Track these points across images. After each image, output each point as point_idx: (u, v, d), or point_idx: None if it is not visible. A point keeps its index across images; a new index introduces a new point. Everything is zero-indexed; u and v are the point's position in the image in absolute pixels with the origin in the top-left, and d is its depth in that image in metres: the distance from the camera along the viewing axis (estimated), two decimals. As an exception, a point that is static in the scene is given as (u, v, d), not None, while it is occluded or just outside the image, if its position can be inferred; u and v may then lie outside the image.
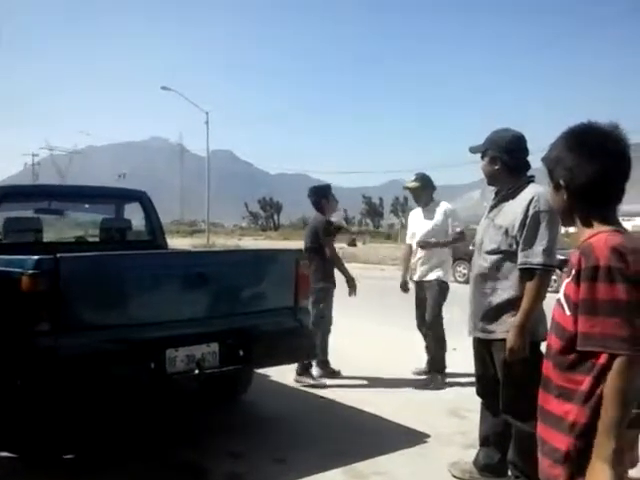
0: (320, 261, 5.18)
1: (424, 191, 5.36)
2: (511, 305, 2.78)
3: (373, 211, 65.45)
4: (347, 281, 5.40)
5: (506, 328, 2.77)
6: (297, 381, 5.17)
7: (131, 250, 4.70)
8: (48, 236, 5.46)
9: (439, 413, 4.39)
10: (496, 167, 2.90)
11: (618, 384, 1.39)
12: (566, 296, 1.53)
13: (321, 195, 5.56)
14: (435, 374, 5.20)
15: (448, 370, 5.24)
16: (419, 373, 5.42)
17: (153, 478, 3.24)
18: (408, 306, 5.47)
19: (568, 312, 1.51)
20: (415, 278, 5.34)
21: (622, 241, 1.46)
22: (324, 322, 5.26)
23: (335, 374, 5.42)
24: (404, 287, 5.51)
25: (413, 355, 5.62)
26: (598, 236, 1.49)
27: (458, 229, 5.31)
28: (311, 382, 5.14)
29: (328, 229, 5.41)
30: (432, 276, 5.20)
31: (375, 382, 5.31)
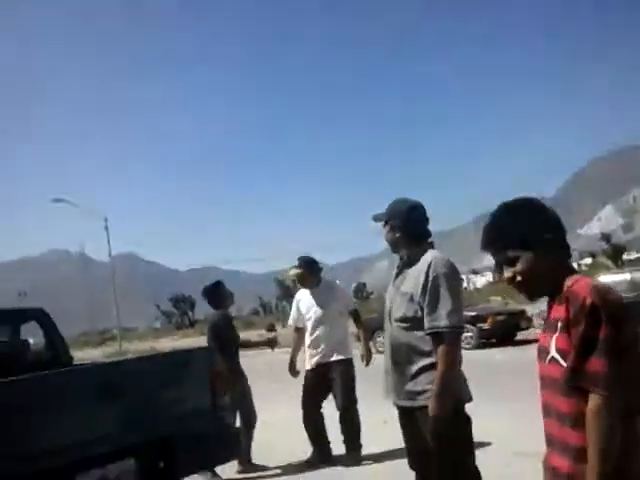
0: (226, 359, 4.94)
1: (311, 275, 5.30)
2: (426, 371, 2.78)
3: (286, 293, 65.39)
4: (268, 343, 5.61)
5: (426, 394, 2.76)
6: (241, 472, 5.09)
7: (30, 372, 4.36)
8: None
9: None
10: (397, 235, 2.99)
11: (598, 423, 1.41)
12: (559, 350, 1.53)
13: (213, 293, 5.56)
14: (353, 452, 5.14)
15: (381, 443, 5.15)
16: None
17: None
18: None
19: (565, 364, 1.51)
20: (315, 360, 5.17)
21: (597, 283, 1.55)
22: (248, 418, 5.15)
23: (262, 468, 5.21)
24: (293, 371, 5.39)
25: (338, 431, 5.48)
26: (578, 282, 1.55)
27: (351, 306, 5.43)
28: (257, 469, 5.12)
29: (227, 324, 5.38)
30: (339, 356, 5.11)
31: (291, 470, 5.16)
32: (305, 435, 5.25)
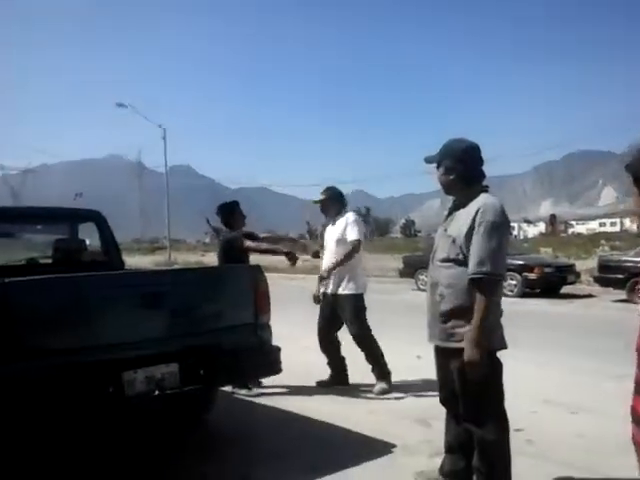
0: None
1: (331, 204, 5.42)
2: (459, 314, 2.78)
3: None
4: (286, 254, 5.35)
5: (457, 337, 2.79)
6: (233, 393, 5.22)
7: (86, 271, 4.59)
8: (0, 258, 5.30)
9: (404, 422, 4.40)
10: (451, 177, 2.93)
11: None
12: None
13: (226, 212, 5.60)
14: (381, 381, 5.27)
15: (414, 378, 5.27)
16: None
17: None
18: (370, 317, 5.47)
19: None
20: (328, 291, 5.37)
21: None
22: None
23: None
24: (317, 299, 5.52)
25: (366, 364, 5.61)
26: None
27: (351, 237, 5.25)
28: (245, 392, 5.23)
29: (237, 246, 5.37)
30: (344, 291, 5.26)
31: (333, 392, 5.30)
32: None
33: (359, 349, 5.34)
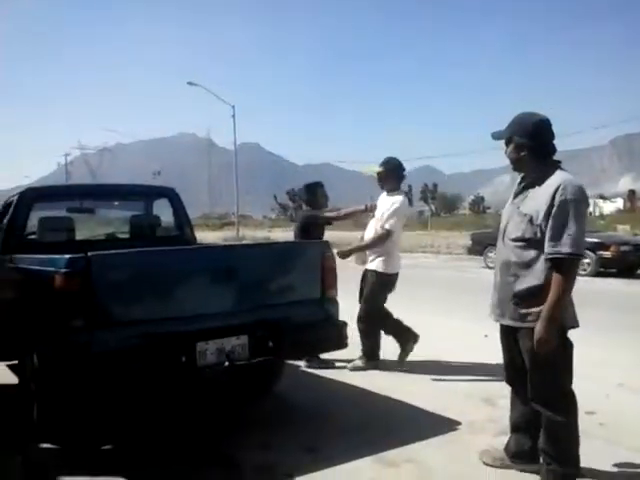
0: None
1: (387, 178, 5.27)
2: (534, 294, 2.73)
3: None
4: (365, 209, 5.56)
5: (531, 317, 2.74)
6: (308, 367, 5.36)
7: (161, 245, 4.78)
8: (81, 234, 5.59)
9: (470, 400, 4.39)
10: (522, 153, 2.84)
11: None
12: None
13: (308, 192, 5.73)
14: (363, 359, 5.29)
15: (480, 357, 5.21)
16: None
17: (184, 470, 3.29)
18: (438, 294, 5.45)
19: None
20: (363, 263, 5.36)
21: None
22: None
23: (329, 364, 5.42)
24: (342, 255, 5.26)
25: (439, 342, 5.59)
26: None
27: (386, 226, 5.12)
28: (320, 365, 5.33)
29: (314, 224, 5.52)
30: (372, 265, 5.22)
31: (399, 368, 5.30)
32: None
33: (357, 327, 5.21)
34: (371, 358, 5.31)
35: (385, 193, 5.36)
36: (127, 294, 3.24)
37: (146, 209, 5.95)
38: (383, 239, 5.15)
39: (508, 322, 2.90)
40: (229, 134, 36.41)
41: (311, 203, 5.71)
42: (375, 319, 5.27)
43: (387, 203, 5.24)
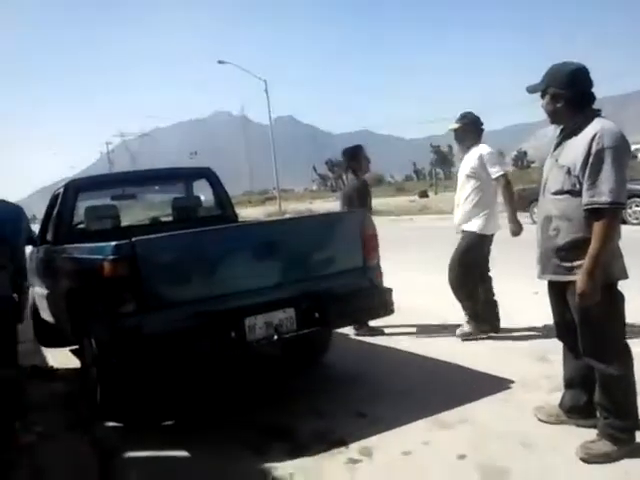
0: None
1: (466, 133, 4.99)
2: (577, 247, 2.66)
3: (442, 160, 64.02)
4: None
5: (575, 271, 2.67)
6: (357, 335, 5.39)
7: (203, 225, 4.86)
8: (126, 220, 5.75)
9: (522, 358, 4.35)
10: (558, 105, 2.74)
11: None
12: None
13: (349, 157, 5.62)
14: (471, 324, 5.05)
15: (531, 314, 5.14)
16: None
17: (241, 438, 3.39)
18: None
19: None
20: (456, 225, 5.10)
21: None
22: None
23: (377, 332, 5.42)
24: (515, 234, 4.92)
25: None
26: None
27: (497, 174, 4.78)
28: (369, 333, 5.35)
29: (361, 192, 5.43)
30: (470, 226, 4.91)
31: (450, 330, 5.28)
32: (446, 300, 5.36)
33: (452, 292, 5.10)
34: (477, 321, 5.04)
35: (465, 152, 5.05)
36: (173, 276, 3.32)
37: (186, 191, 6.05)
38: (511, 186, 4.85)
39: (552, 277, 2.85)
40: (263, 109, 36.48)
41: (354, 167, 5.62)
42: (468, 288, 5.00)
43: (472, 155, 4.93)
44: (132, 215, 6.47)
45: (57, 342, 5.58)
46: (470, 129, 4.99)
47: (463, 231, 5.00)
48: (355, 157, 5.63)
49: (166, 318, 3.22)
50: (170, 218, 5.82)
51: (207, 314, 3.32)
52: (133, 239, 3.17)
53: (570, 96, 2.71)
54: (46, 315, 5.15)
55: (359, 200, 5.39)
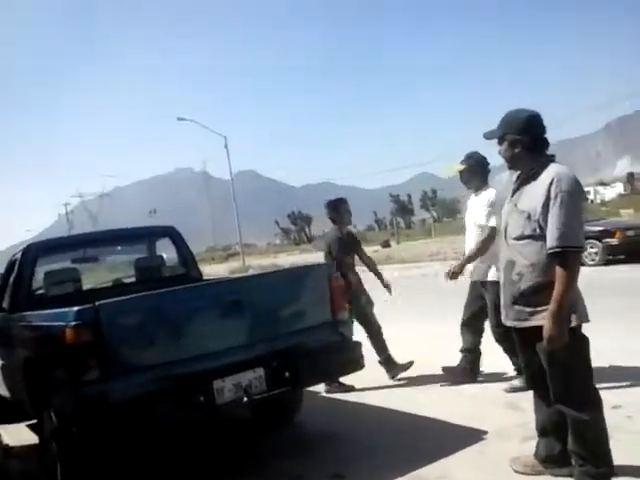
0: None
1: (472, 175, 4.83)
2: (540, 291, 2.70)
3: (402, 209, 65.09)
4: (386, 287, 5.55)
5: (539, 315, 2.71)
6: (393, 377, 5.37)
7: (167, 285, 4.78)
8: (87, 283, 5.60)
9: (495, 407, 4.33)
10: (517, 150, 2.83)
11: None
12: None
13: (331, 209, 5.71)
14: (520, 378, 4.57)
15: (502, 360, 5.13)
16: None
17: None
18: (443, 301, 5.40)
19: None
20: (472, 277, 4.88)
21: None
22: (369, 322, 5.39)
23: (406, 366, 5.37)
24: (453, 275, 4.83)
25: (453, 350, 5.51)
26: None
27: (490, 223, 4.62)
28: (340, 389, 5.29)
29: (342, 242, 5.51)
30: (492, 275, 4.59)
31: (422, 381, 5.26)
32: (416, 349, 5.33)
33: (496, 343, 4.85)
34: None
35: (473, 194, 4.91)
36: (139, 340, 3.23)
37: (149, 250, 5.96)
38: (492, 239, 4.54)
39: (516, 323, 2.88)
40: (225, 165, 36.63)
41: (335, 220, 5.70)
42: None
43: (480, 201, 4.78)
44: (94, 277, 6.32)
45: (12, 417, 5.29)
46: (476, 170, 4.83)
47: (485, 282, 4.72)
48: (336, 209, 5.70)
49: (132, 384, 3.11)
50: (133, 279, 5.70)
51: (174, 378, 3.22)
52: (96, 303, 3.09)
53: (527, 142, 2.80)
54: (0, 389, 4.92)
55: (340, 250, 5.45)
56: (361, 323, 5.36)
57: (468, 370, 5.05)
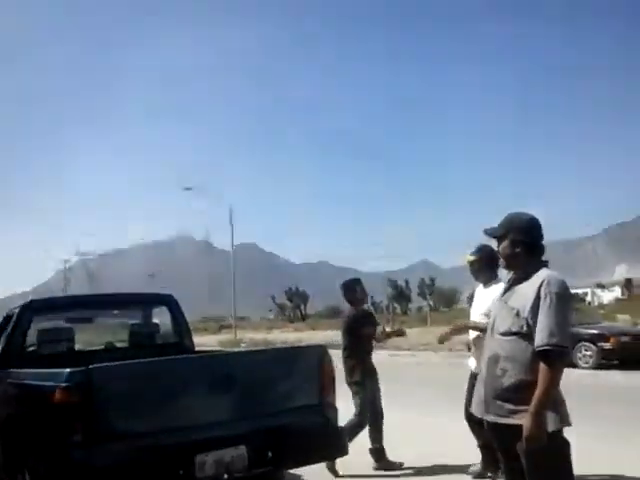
0: (358, 354, 5.33)
1: (481, 267, 4.85)
2: (522, 389, 2.73)
3: (400, 295, 64.91)
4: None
5: (521, 415, 2.71)
6: (377, 468, 5.29)
7: (159, 353, 4.81)
8: (81, 342, 5.62)
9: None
10: (517, 250, 2.93)
11: None
12: None
13: (345, 289, 5.80)
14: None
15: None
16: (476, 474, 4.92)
17: None
18: (435, 391, 5.39)
19: None
20: (475, 370, 4.69)
21: None
22: (369, 410, 5.32)
23: (395, 466, 5.30)
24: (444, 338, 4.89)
25: (447, 441, 5.45)
26: None
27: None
28: (394, 467, 5.26)
29: (357, 321, 5.54)
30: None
31: (423, 473, 5.17)
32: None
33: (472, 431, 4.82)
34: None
35: (482, 285, 4.91)
36: (127, 406, 3.25)
37: (145, 317, 6.01)
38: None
39: (495, 419, 2.86)
40: (227, 235, 36.97)
41: (351, 300, 5.76)
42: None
43: (490, 294, 4.56)
44: (87, 339, 6.34)
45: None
46: (488, 263, 4.80)
47: None
48: (353, 290, 5.78)
49: (115, 451, 3.11)
50: (126, 344, 5.72)
51: (158, 448, 3.22)
52: (90, 366, 3.13)
53: (528, 243, 2.92)
54: None
55: (355, 329, 5.49)
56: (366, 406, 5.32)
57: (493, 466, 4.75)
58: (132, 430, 3.22)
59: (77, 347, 5.34)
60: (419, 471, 5.26)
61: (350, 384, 5.39)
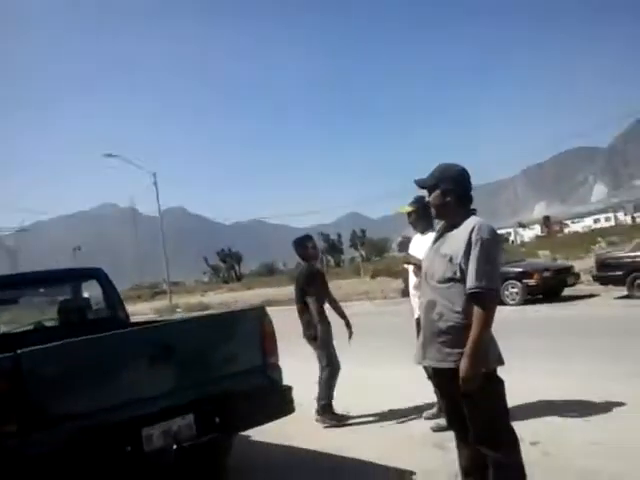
0: (314, 308, 5.48)
1: (419, 216, 5.04)
2: (458, 332, 2.82)
3: (332, 247, 65.76)
4: (345, 325, 5.72)
5: (456, 357, 2.81)
6: (318, 421, 5.41)
7: (93, 329, 4.64)
8: (6, 325, 5.36)
9: (422, 447, 4.43)
10: (448, 199, 3.00)
11: None
12: None
13: (296, 245, 5.89)
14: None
15: (428, 400, 5.28)
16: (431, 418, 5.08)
17: None
18: (377, 344, 5.52)
19: None
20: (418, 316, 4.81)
21: None
22: (335, 363, 5.49)
23: (343, 418, 5.44)
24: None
25: (385, 392, 5.63)
26: None
27: None
28: (334, 422, 5.37)
29: (309, 277, 5.65)
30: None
31: (352, 425, 5.31)
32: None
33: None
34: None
35: (419, 234, 5.10)
36: (63, 389, 3.11)
37: (74, 292, 5.78)
38: None
39: (433, 363, 2.97)
40: (153, 201, 36.03)
41: (304, 256, 5.85)
42: None
43: (426, 242, 4.58)
44: (15, 319, 6.04)
45: None
46: (425, 213, 4.90)
47: None
48: (304, 246, 5.85)
49: (55, 436, 2.98)
50: (56, 323, 5.49)
51: (100, 428, 3.11)
52: (18, 351, 2.97)
53: (459, 192, 3.00)
54: None
55: (308, 285, 5.60)
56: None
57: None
58: (71, 413, 3.09)
59: (2, 330, 5.08)
60: (379, 418, 5.42)
61: (309, 338, 5.53)
